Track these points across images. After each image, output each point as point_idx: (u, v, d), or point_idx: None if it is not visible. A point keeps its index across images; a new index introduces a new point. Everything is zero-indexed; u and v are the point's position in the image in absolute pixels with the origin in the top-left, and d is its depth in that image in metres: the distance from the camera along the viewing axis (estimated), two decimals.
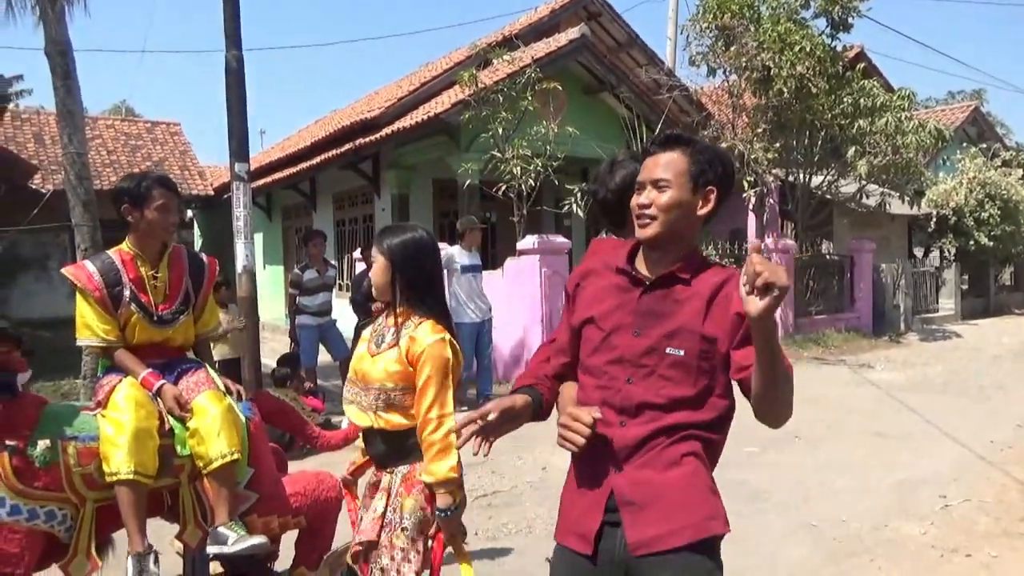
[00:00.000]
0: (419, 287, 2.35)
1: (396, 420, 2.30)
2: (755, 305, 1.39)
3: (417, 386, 2.25)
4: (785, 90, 10.81)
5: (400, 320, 2.34)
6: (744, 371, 1.62)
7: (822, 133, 11.85)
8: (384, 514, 2.31)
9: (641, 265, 1.81)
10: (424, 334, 2.27)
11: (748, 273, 1.39)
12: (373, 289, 2.41)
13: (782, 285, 1.36)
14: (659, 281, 1.75)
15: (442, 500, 2.23)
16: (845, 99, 11.33)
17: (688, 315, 1.70)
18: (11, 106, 9.98)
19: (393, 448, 2.35)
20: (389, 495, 2.33)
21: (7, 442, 2.42)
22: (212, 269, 3.07)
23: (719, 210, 1.77)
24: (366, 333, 2.49)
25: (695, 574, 1.62)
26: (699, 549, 1.62)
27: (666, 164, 1.73)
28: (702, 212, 1.74)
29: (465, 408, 7.29)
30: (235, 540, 2.63)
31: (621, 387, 1.72)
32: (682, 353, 1.68)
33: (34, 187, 12.89)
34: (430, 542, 2.32)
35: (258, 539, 2.65)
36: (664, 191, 1.71)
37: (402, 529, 2.27)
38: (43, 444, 2.48)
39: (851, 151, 11.52)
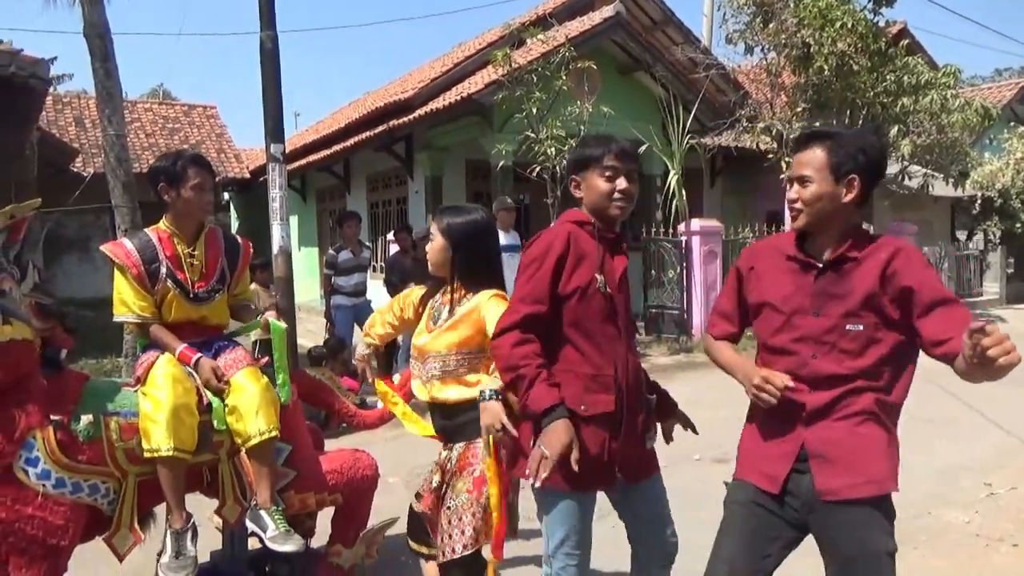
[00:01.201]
0: (477, 267, 2.48)
1: (452, 391, 2.44)
2: (976, 374, 1.67)
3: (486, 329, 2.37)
4: (826, 68, 10.53)
5: (456, 297, 2.47)
6: (941, 347, 1.80)
7: (863, 112, 11.53)
8: (437, 489, 2.51)
9: (810, 250, 2.00)
10: (482, 296, 2.43)
11: (975, 344, 1.57)
12: (430, 265, 2.53)
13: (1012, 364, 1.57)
14: (830, 264, 1.94)
15: (493, 383, 2.29)
16: (888, 77, 10.99)
17: (862, 293, 1.89)
18: (52, 90, 10.14)
19: (450, 423, 2.49)
20: (444, 471, 2.50)
21: (52, 416, 2.45)
22: (247, 250, 3.08)
23: (870, 193, 1.95)
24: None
25: (872, 528, 1.88)
26: (877, 505, 1.89)
27: (807, 161, 1.94)
28: (848, 199, 1.91)
29: None
30: (273, 533, 2.65)
31: (808, 362, 1.93)
32: (861, 328, 1.89)
33: (75, 170, 13.13)
34: (478, 518, 2.41)
35: (294, 544, 2.66)
36: (807, 186, 1.93)
37: (447, 508, 2.44)
38: (86, 419, 2.52)
39: (893, 131, 11.20)
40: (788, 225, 12.37)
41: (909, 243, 1.91)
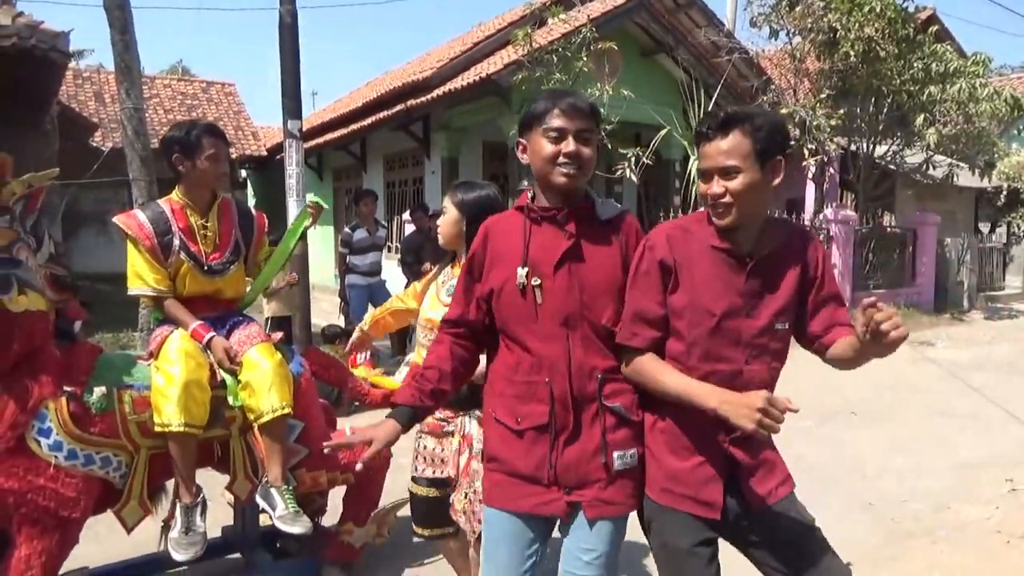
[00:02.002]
0: None
1: None
2: (867, 351, 1.65)
3: None
4: (852, 53, 10.34)
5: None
6: (819, 338, 1.84)
7: (889, 100, 11.33)
8: (460, 451, 2.49)
9: (732, 243, 1.83)
10: None
11: (868, 320, 1.54)
12: (440, 238, 2.58)
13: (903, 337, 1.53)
14: (763, 261, 1.81)
15: None
16: (915, 64, 10.77)
17: (789, 288, 1.83)
18: (72, 64, 10.14)
19: (466, 391, 2.41)
20: (467, 435, 2.48)
21: (65, 388, 2.44)
22: (261, 221, 3.04)
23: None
24: (434, 284, 2.68)
25: (797, 508, 1.88)
26: (792, 497, 1.90)
27: (730, 150, 1.73)
28: (775, 184, 1.79)
29: None
30: (282, 513, 2.64)
31: (742, 368, 1.80)
32: (787, 326, 1.84)
33: (95, 145, 13.17)
34: None
35: (302, 526, 2.65)
36: (734, 177, 1.73)
37: (475, 471, 2.41)
38: (99, 391, 2.50)
39: (919, 119, 10.99)
40: (807, 213, 12.27)
41: (818, 240, 1.91)
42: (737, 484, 1.83)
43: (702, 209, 1.89)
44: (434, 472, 2.58)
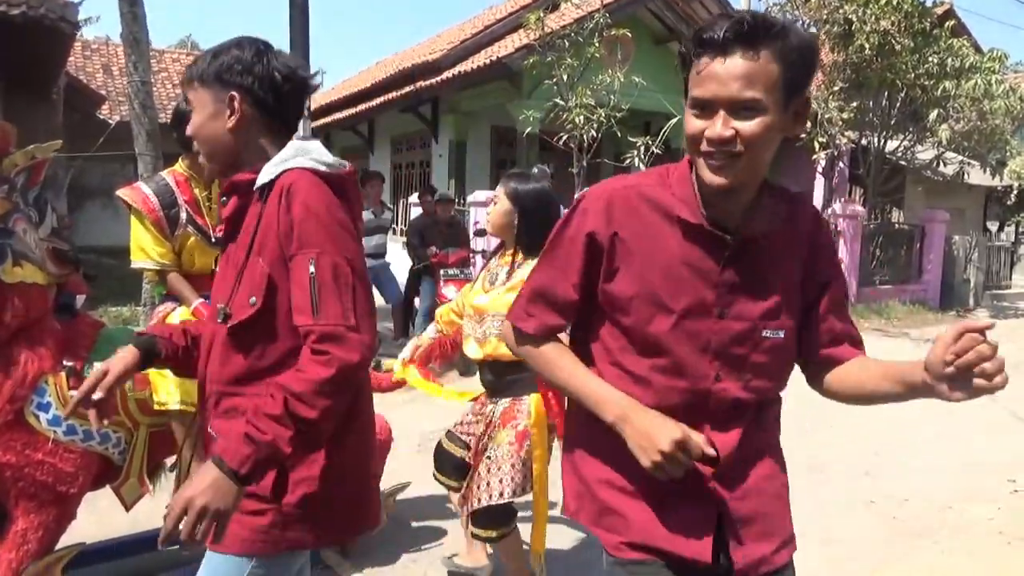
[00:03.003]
0: (538, 232, 2.46)
1: (503, 349, 2.46)
2: (954, 394, 1.15)
3: None
4: (867, 46, 10.23)
5: (516, 260, 2.57)
6: (825, 350, 1.41)
7: (902, 95, 11.22)
8: (480, 437, 2.59)
9: (714, 215, 1.34)
10: None
11: (965, 350, 1.09)
12: (491, 227, 2.64)
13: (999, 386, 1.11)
14: (750, 243, 1.33)
15: None
16: (930, 59, 10.65)
17: (785, 284, 1.36)
18: (79, 35, 10.07)
19: (501, 380, 2.57)
20: (489, 424, 2.57)
21: (65, 362, 2.41)
22: None
23: None
24: (479, 274, 2.76)
25: None
26: (791, 566, 1.44)
27: (753, 75, 1.19)
28: (795, 133, 1.32)
29: None
30: None
31: (710, 386, 1.34)
32: (782, 335, 1.35)
33: (102, 117, 13.12)
34: (516, 470, 2.52)
35: None
36: (752, 117, 1.20)
37: (487, 457, 2.52)
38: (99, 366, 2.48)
39: (932, 115, 10.89)
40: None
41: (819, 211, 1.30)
42: (721, 536, 1.37)
43: (665, 166, 1.43)
44: (460, 433, 2.75)
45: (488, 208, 2.68)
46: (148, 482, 2.63)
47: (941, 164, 12.30)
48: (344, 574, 2.96)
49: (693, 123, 1.25)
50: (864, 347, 1.44)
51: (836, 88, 10.85)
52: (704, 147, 1.24)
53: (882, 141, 11.86)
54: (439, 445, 2.83)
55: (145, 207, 2.67)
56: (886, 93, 11.29)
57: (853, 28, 10.33)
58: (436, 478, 2.85)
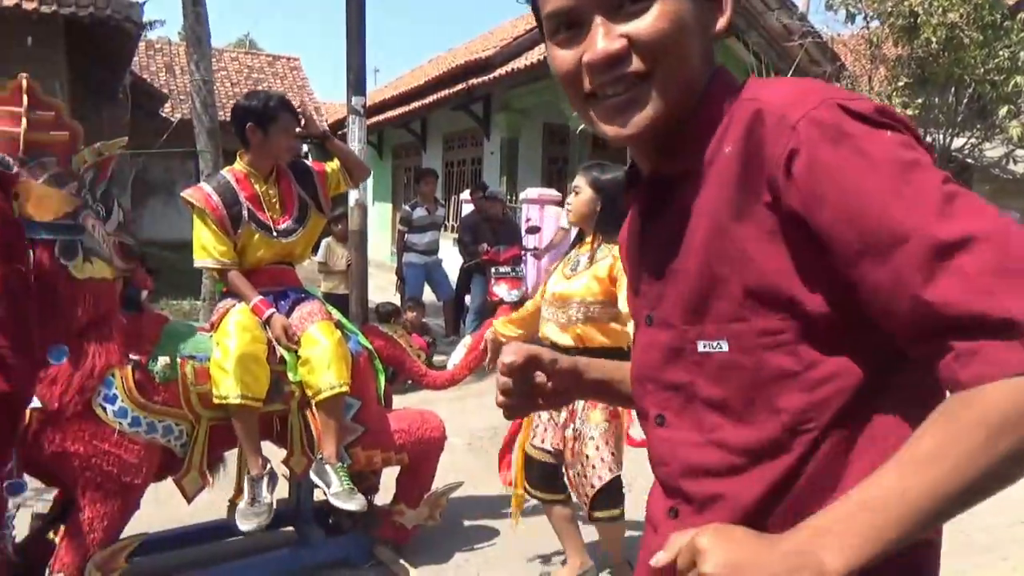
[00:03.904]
0: (617, 219, 2.52)
1: (592, 335, 2.59)
2: None
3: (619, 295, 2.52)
4: (933, 40, 9.85)
5: (595, 247, 2.65)
6: (923, 351, 0.69)
7: (970, 90, 10.78)
8: (566, 425, 2.63)
9: (644, 165, 0.92)
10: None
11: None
12: (573, 216, 2.72)
13: None
14: (652, 190, 0.90)
15: None
16: (1001, 52, 10.21)
17: (733, 250, 0.78)
18: (144, 35, 10.37)
19: None
20: (573, 410, 2.62)
21: (131, 356, 2.47)
22: (319, 168, 3.07)
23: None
24: (557, 264, 2.84)
25: None
26: None
27: None
28: (719, 28, 0.84)
29: None
30: (337, 490, 2.67)
31: (654, 437, 0.91)
32: (725, 347, 0.79)
33: (164, 115, 13.50)
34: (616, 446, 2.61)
35: (357, 503, 2.69)
36: (647, 6, 0.78)
37: (590, 438, 2.59)
38: (163, 360, 2.53)
39: (1002, 111, 10.42)
40: None
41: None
42: None
43: None
44: (541, 441, 2.76)
45: (568, 199, 2.76)
46: (208, 474, 2.68)
47: (1011, 162, 11.81)
48: (398, 572, 2.97)
49: (563, 58, 0.83)
50: (998, 336, 0.63)
51: (900, 84, 10.49)
52: (588, 85, 0.82)
53: (948, 138, 11.44)
54: (528, 458, 2.82)
55: (208, 206, 2.72)
56: (953, 88, 10.88)
57: (919, 21, 9.97)
58: (528, 492, 2.86)
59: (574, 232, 2.94)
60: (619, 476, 2.63)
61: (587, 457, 2.58)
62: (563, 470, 2.73)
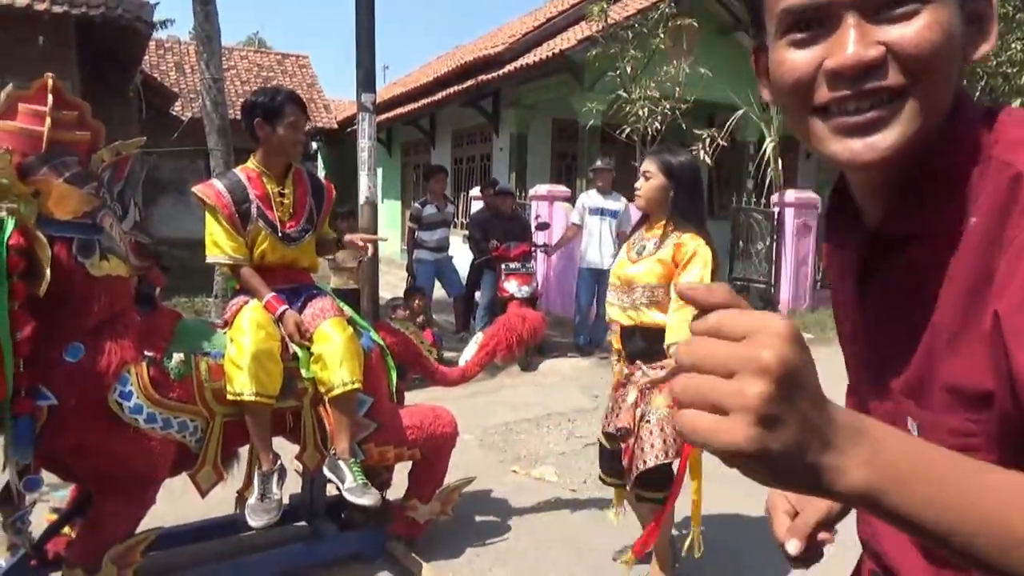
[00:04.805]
0: (689, 204, 2.66)
1: (655, 317, 2.63)
2: None
3: (679, 274, 2.58)
4: None
5: (667, 231, 2.67)
6: None
7: (982, 83, 10.71)
8: (635, 403, 2.66)
9: (866, 202, 0.79)
10: (689, 239, 2.60)
11: None
12: (643, 202, 2.71)
13: None
14: (889, 245, 0.76)
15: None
16: (1013, 45, 10.13)
17: (934, 337, 0.71)
18: (154, 34, 10.42)
19: (648, 345, 2.66)
20: (642, 391, 2.66)
21: (146, 352, 2.49)
22: (330, 192, 3.08)
23: None
24: (622, 248, 2.89)
25: None
26: None
27: None
28: (978, 54, 0.75)
29: (575, 355, 7.19)
30: (351, 485, 2.68)
31: (871, 543, 0.86)
32: (978, 431, 0.68)
33: (175, 113, 13.56)
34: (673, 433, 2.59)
35: (371, 498, 2.70)
36: (914, 12, 0.66)
37: (645, 420, 2.63)
38: (178, 357, 2.55)
39: (1015, 104, 10.36)
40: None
41: None
42: None
43: None
44: (608, 425, 2.79)
45: (637, 184, 2.75)
46: (223, 470, 2.69)
47: None
48: (410, 566, 2.99)
49: (795, 61, 0.70)
50: None
51: None
52: (826, 94, 0.69)
53: None
54: (600, 447, 2.89)
55: (219, 202, 2.74)
56: (964, 81, 10.80)
57: None
58: (602, 480, 2.96)
59: (635, 215, 2.99)
60: (669, 464, 2.63)
61: (641, 438, 2.63)
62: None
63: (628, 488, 2.75)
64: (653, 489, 2.68)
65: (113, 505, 2.46)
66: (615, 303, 2.76)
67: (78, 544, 2.51)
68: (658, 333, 2.61)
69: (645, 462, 2.59)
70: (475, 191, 10.45)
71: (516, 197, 8.26)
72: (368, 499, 2.68)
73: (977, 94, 10.88)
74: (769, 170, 9.82)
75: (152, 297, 2.69)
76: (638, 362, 2.70)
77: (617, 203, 7.04)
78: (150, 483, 2.52)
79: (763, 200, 9.98)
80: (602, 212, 7.00)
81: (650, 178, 2.68)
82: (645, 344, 2.69)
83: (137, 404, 2.43)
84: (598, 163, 7.21)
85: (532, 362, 6.89)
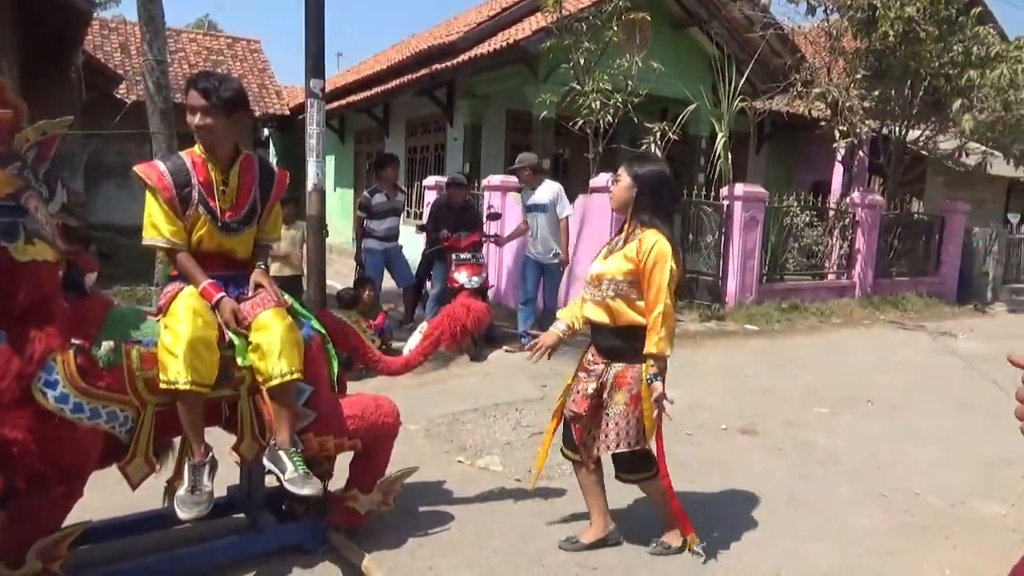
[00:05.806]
0: (652, 204, 2.91)
1: (623, 309, 2.89)
2: None
3: (644, 277, 2.82)
4: (891, 33, 10.03)
5: (630, 230, 2.96)
6: None
7: (925, 83, 11.02)
8: (593, 396, 2.95)
9: None
10: (650, 235, 2.85)
11: None
12: (614, 203, 3.03)
13: None
14: None
15: (649, 369, 2.83)
16: (955, 47, 10.45)
17: None
18: (96, 13, 10.08)
19: (617, 342, 2.94)
20: (603, 385, 2.94)
21: (73, 340, 2.40)
22: (282, 180, 2.98)
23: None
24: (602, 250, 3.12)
25: None
26: None
27: None
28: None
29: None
30: (292, 475, 2.63)
31: None
32: None
33: (119, 96, 13.15)
34: (631, 425, 2.92)
35: (312, 488, 2.66)
36: None
37: (606, 413, 2.95)
38: (107, 345, 2.47)
39: (956, 104, 10.67)
40: (834, 196, 12.02)
41: None
42: None
43: None
44: (570, 407, 3.06)
45: (611, 186, 3.07)
46: (155, 461, 2.63)
47: (963, 155, 12.09)
48: (351, 558, 2.96)
49: None
50: None
51: (858, 76, 10.68)
52: None
53: (903, 130, 11.68)
54: (564, 422, 3.17)
55: (160, 184, 2.66)
56: (909, 82, 11.10)
57: (877, 15, 10.14)
58: (563, 454, 3.23)
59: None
60: (649, 451, 3.01)
61: (603, 427, 2.95)
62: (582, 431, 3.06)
63: (586, 466, 3.10)
64: (629, 472, 3.08)
65: (38, 497, 2.38)
66: (587, 298, 3.04)
67: (1, 538, 2.42)
68: (625, 332, 2.90)
69: (608, 447, 2.95)
70: (428, 180, 10.39)
71: (469, 188, 8.22)
72: (310, 488, 2.64)
73: (921, 93, 11.18)
74: (719, 163, 9.97)
75: (81, 283, 2.60)
76: (608, 361, 2.97)
77: (545, 194, 6.96)
78: (77, 475, 2.44)
79: (713, 194, 10.13)
80: (532, 208, 7.03)
81: (618, 181, 2.99)
82: (612, 341, 2.96)
83: (63, 393, 2.35)
84: (533, 158, 7.18)
85: (482, 353, 6.88)
